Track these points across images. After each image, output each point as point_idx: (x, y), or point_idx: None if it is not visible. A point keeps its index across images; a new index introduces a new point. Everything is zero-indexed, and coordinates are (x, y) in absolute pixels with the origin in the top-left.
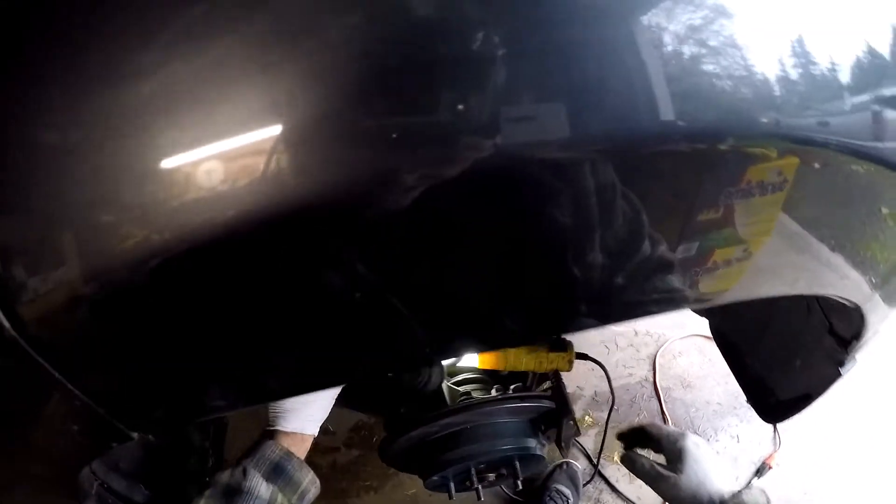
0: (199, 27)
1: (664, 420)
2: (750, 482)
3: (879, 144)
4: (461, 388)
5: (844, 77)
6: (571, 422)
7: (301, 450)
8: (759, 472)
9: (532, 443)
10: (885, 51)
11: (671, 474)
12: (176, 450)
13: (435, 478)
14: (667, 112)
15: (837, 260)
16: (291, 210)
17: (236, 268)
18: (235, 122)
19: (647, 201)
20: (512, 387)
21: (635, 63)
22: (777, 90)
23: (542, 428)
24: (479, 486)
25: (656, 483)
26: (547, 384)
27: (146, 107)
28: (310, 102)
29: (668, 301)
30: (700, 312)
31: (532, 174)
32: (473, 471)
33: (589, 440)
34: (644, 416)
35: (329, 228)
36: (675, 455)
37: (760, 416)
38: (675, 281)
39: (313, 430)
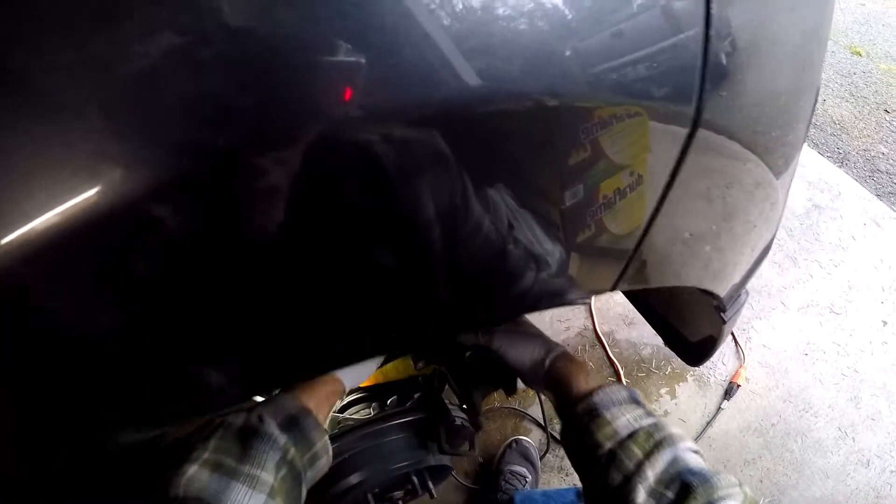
0: None
1: (613, 367)
2: (720, 406)
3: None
4: (343, 415)
5: None
6: (459, 422)
7: (323, 399)
8: (728, 393)
9: (422, 455)
10: None
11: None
12: None
13: None
14: (480, 69)
15: None
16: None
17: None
18: None
19: (509, 160)
20: (389, 401)
21: (436, 31)
22: (568, 12)
23: (433, 437)
24: None
25: (492, 337)
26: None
27: None
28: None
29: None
30: None
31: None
32: (370, 497)
33: (537, 409)
34: (591, 367)
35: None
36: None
37: (682, 360)
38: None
39: (348, 381)
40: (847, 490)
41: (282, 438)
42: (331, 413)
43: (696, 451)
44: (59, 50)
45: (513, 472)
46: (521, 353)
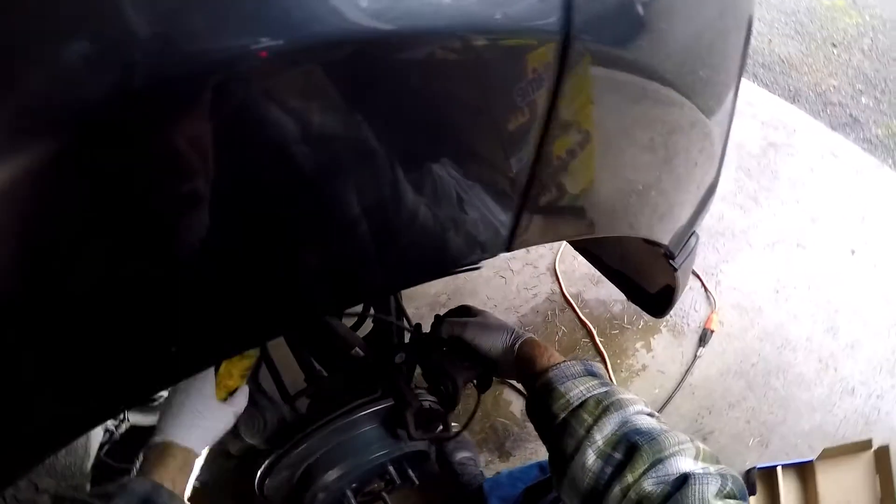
0: None
1: (585, 328)
2: (697, 353)
3: None
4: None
5: None
6: (427, 405)
7: (177, 472)
8: (703, 339)
9: (395, 443)
10: None
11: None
12: None
13: None
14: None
15: None
16: None
17: None
18: None
19: (440, 125)
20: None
21: None
22: None
23: (402, 424)
24: (384, 495)
25: (464, 328)
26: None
27: None
28: None
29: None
30: None
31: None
32: (349, 492)
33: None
34: (563, 331)
35: None
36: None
37: (647, 312)
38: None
39: (198, 447)
40: (835, 420)
41: None
42: (190, 481)
43: (649, 414)
44: None
45: (460, 462)
46: (493, 341)
